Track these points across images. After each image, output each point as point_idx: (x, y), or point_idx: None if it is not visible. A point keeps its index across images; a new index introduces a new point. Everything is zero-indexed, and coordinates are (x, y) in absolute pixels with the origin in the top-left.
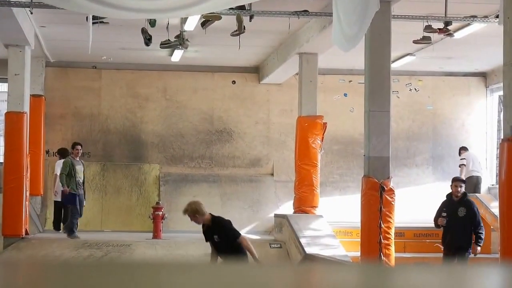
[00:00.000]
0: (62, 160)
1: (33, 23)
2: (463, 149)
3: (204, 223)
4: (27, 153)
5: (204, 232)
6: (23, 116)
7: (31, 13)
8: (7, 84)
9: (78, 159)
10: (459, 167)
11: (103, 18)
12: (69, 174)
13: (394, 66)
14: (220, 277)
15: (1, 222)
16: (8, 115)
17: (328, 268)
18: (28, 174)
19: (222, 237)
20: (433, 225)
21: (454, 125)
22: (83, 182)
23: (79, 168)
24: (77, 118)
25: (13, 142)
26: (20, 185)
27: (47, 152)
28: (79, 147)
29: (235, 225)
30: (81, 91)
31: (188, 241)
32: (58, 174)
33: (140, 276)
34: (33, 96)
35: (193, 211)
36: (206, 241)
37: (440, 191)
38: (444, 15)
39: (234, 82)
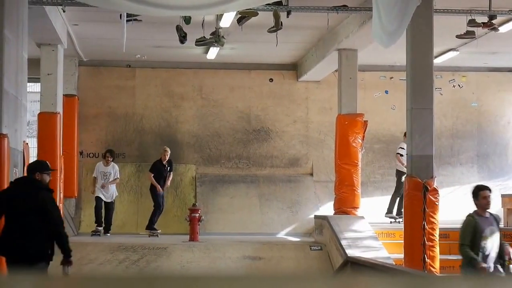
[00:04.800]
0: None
1: (66, 21)
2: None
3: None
4: (61, 154)
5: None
6: (56, 117)
7: (64, 11)
8: (39, 84)
9: None
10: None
11: (137, 15)
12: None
13: (437, 61)
14: None
15: None
16: (41, 115)
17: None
18: (62, 175)
19: None
20: None
21: (499, 122)
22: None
23: None
24: (111, 118)
25: (46, 143)
26: (54, 187)
27: (81, 153)
28: None
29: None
30: (115, 91)
31: (225, 244)
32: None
33: None
34: (66, 96)
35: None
36: None
37: None
38: (488, 9)
39: (271, 79)
